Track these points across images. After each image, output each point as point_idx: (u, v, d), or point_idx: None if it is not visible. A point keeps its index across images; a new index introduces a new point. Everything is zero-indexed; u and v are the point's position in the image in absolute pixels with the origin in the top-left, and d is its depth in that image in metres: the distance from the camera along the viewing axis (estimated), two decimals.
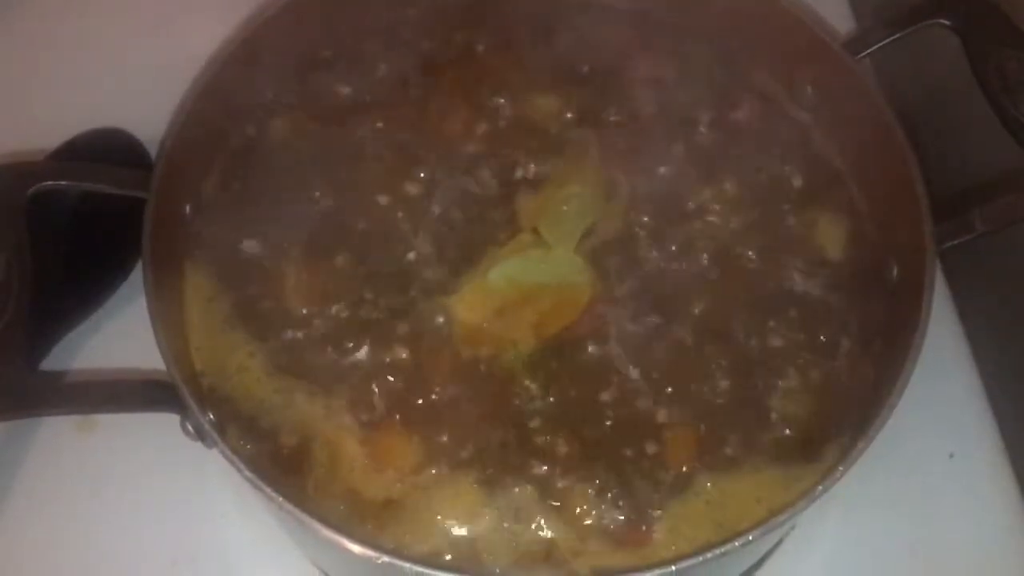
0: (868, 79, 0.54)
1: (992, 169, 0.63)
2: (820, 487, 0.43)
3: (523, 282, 0.52)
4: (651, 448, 0.48)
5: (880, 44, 0.55)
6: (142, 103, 0.62)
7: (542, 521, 0.47)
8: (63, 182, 0.49)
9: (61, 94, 0.69)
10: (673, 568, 0.41)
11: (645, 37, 0.60)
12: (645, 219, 0.54)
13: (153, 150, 0.63)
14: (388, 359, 0.50)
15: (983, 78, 0.51)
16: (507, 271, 0.52)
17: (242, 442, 0.48)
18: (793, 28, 0.56)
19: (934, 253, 0.48)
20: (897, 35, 0.55)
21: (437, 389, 0.49)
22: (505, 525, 0.47)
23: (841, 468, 0.43)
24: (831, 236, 0.54)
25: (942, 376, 0.59)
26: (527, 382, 0.50)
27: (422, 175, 0.55)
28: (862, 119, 0.54)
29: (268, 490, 0.42)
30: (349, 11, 0.60)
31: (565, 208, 0.54)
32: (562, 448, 0.48)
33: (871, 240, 0.54)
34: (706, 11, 0.59)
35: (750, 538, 0.42)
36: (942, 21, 0.53)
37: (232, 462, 0.43)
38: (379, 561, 0.42)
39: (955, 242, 0.49)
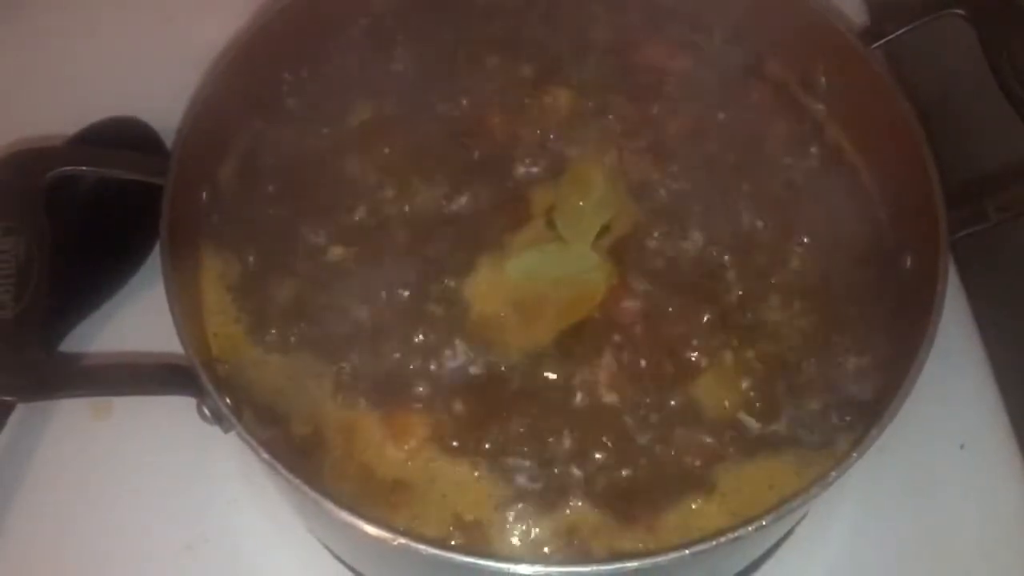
0: (882, 69, 0.54)
1: (1006, 159, 0.63)
2: (833, 473, 0.43)
3: (540, 276, 0.52)
4: (665, 439, 0.49)
5: (894, 34, 0.55)
6: (157, 92, 0.62)
7: (556, 504, 0.47)
8: (81, 167, 0.50)
9: (77, 83, 0.70)
10: (687, 552, 0.41)
11: (660, 28, 0.61)
12: (661, 214, 0.54)
13: (167, 138, 0.63)
14: (404, 344, 0.50)
15: (997, 68, 0.51)
16: (524, 264, 0.52)
17: (258, 426, 0.49)
18: (807, 18, 0.56)
19: (947, 242, 0.48)
20: (911, 25, 0.55)
21: (454, 374, 0.50)
22: (518, 507, 0.47)
23: (854, 455, 0.43)
24: (845, 225, 0.54)
25: (953, 367, 0.59)
26: (543, 373, 0.50)
27: (435, 163, 0.56)
28: (876, 109, 0.54)
29: (286, 473, 0.43)
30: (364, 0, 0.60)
31: (582, 204, 0.54)
32: (575, 435, 0.49)
33: (885, 229, 0.54)
34: (722, 2, 0.59)
35: (764, 523, 0.42)
36: (956, 11, 0.53)
37: (250, 445, 0.43)
38: (394, 543, 0.42)
39: (968, 231, 0.49)
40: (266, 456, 0.43)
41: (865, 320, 0.52)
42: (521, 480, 0.48)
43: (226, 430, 0.46)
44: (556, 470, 0.48)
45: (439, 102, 0.58)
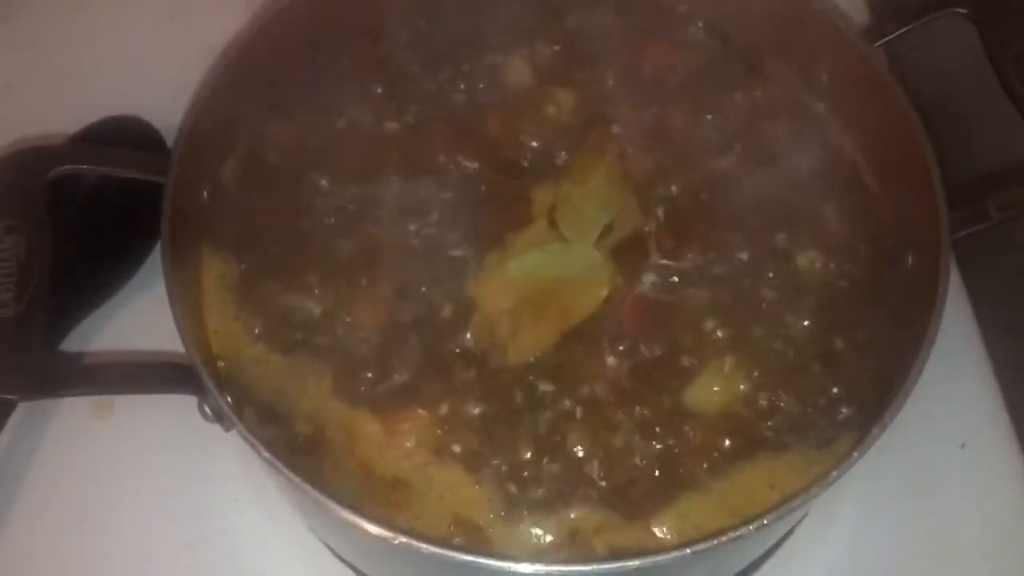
0: (884, 68, 0.54)
1: (1008, 158, 0.63)
2: (835, 472, 0.43)
3: (542, 276, 0.52)
4: (666, 438, 0.49)
5: (896, 33, 0.55)
6: (158, 91, 0.62)
7: (557, 504, 0.47)
8: (83, 166, 0.50)
9: (78, 82, 0.70)
10: (688, 551, 0.41)
11: (661, 28, 0.61)
12: (663, 214, 0.54)
13: (168, 137, 0.63)
14: (405, 344, 0.50)
15: (1000, 67, 0.50)
16: (526, 264, 0.52)
17: (259, 425, 0.49)
18: (809, 17, 0.56)
19: (949, 242, 0.48)
20: (913, 24, 0.55)
21: (455, 373, 0.50)
22: (518, 506, 0.47)
23: (856, 454, 0.43)
24: (847, 225, 0.54)
25: (954, 366, 0.59)
26: (545, 372, 0.50)
27: (439, 163, 0.56)
28: (878, 108, 0.54)
29: (286, 472, 0.43)
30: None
31: (584, 204, 0.54)
32: (576, 435, 0.49)
33: (886, 228, 0.54)
34: (723, 1, 0.59)
35: (764, 522, 0.42)
36: (958, 10, 0.53)
37: (251, 444, 0.43)
38: (395, 542, 0.42)
39: (970, 230, 0.49)
40: (267, 455, 0.43)
41: (866, 319, 0.52)
42: (522, 479, 0.48)
43: (227, 429, 0.46)
44: (557, 469, 0.48)
45: (440, 102, 0.58)
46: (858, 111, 0.56)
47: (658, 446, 0.48)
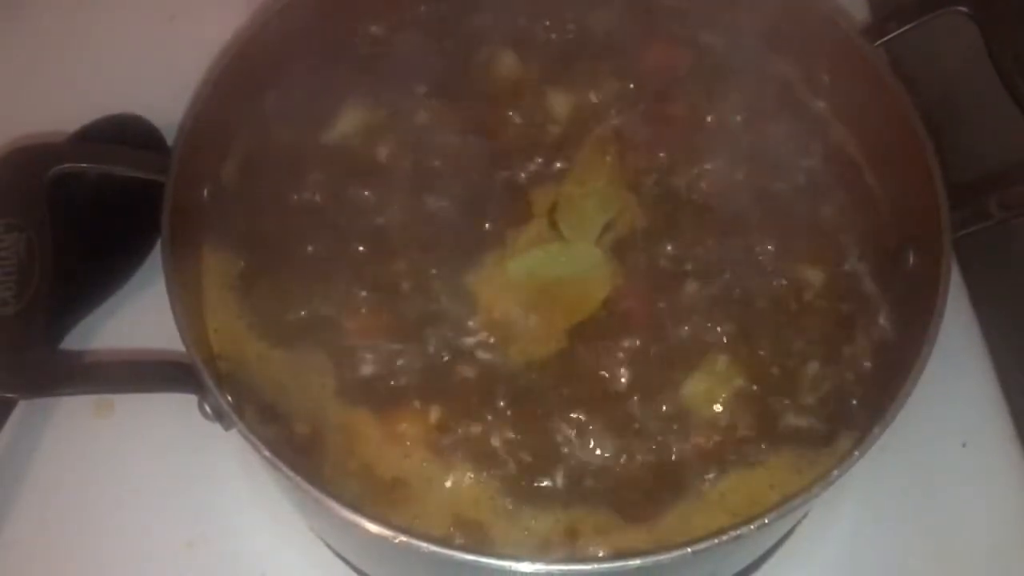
0: (885, 67, 0.54)
1: (1009, 156, 0.63)
2: (836, 472, 0.43)
3: (542, 275, 0.52)
4: (667, 438, 0.49)
5: (897, 32, 0.55)
6: (158, 90, 0.62)
7: (557, 503, 0.47)
8: (83, 164, 0.50)
9: (78, 81, 0.70)
10: (690, 551, 0.41)
11: (662, 27, 0.61)
12: (663, 212, 0.54)
13: (169, 136, 0.63)
14: (406, 344, 0.50)
15: (1001, 65, 0.51)
16: (526, 264, 0.52)
17: (259, 424, 0.49)
18: (810, 16, 0.56)
19: (950, 240, 0.48)
20: (914, 23, 0.55)
21: (455, 373, 0.50)
22: (519, 506, 0.47)
23: (857, 453, 0.43)
24: (847, 224, 0.54)
25: (955, 365, 0.59)
26: (545, 372, 0.50)
27: (439, 162, 0.56)
28: (879, 107, 0.54)
29: (287, 471, 0.43)
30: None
31: (585, 203, 0.54)
32: (577, 434, 0.49)
33: (887, 227, 0.54)
34: (724, 1, 0.59)
35: (765, 521, 0.42)
36: (960, 8, 0.53)
37: (251, 443, 0.43)
38: (395, 541, 0.42)
39: (971, 229, 0.49)
40: (267, 454, 0.43)
41: (867, 318, 0.52)
42: (522, 479, 0.48)
43: (227, 428, 0.46)
44: (557, 469, 0.48)
45: (440, 101, 0.58)
46: (859, 110, 0.56)
47: (658, 445, 0.48)
